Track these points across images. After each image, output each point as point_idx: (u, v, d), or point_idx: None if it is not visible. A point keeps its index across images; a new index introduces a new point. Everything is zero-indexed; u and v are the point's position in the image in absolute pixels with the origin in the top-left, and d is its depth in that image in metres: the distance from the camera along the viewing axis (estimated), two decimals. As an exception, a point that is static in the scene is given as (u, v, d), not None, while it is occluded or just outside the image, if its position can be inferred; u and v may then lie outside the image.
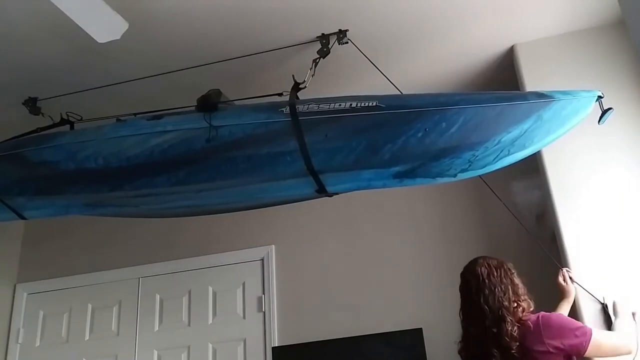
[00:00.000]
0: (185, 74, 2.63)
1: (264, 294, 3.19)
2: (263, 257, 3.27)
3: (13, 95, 2.78)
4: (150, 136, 2.14)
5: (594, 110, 1.93)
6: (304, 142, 1.98)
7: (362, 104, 1.97)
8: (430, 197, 3.12)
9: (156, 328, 3.32)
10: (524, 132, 1.88)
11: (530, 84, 2.57)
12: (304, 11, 2.37)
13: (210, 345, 3.19)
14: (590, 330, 1.85)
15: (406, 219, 3.16)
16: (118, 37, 2.17)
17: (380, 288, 3.01)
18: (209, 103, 2.16)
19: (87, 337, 3.42)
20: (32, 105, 2.81)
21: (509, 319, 1.87)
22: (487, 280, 1.95)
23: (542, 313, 1.92)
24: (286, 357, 2.98)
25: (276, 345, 3.04)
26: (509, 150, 1.92)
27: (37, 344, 3.48)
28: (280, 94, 2.19)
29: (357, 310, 2.99)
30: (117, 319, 3.40)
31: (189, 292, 3.33)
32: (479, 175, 2.07)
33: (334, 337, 2.92)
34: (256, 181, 2.13)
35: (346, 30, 2.47)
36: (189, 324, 3.28)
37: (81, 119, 2.59)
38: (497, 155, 1.92)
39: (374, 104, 1.97)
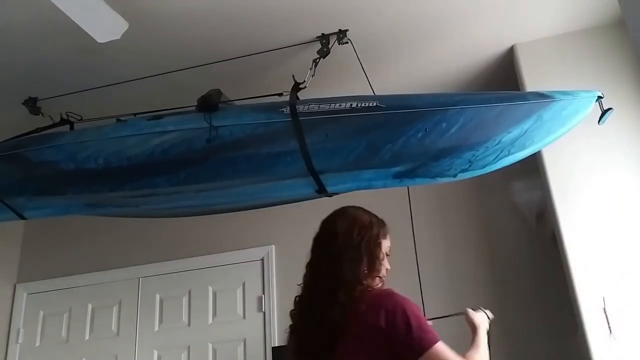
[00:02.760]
0: (185, 74, 2.63)
1: (264, 294, 3.19)
2: (263, 257, 3.27)
3: (13, 95, 2.78)
4: (151, 136, 2.14)
5: (594, 110, 1.93)
6: (305, 142, 1.98)
7: (363, 104, 1.97)
8: (430, 197, 3.12)
9: (156, 328, 3.32)
10: (524, 132, 1.88)
11: (530, 84, 2.57)
12: (304, 11, 2.37)
13: (210, 345, 3.19)
14: (436, 339, 1.43)
15: (406, 219, 3.15)
16: (118, 37, 2.17)
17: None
18: (210, 103, 2.16)
19: (87, 337, 3.42)
20: (32, 105, 2.81)
21: (342, 293, 1.51)
22: (340, 240, 1.60)
23: (389, 289, 1.56)
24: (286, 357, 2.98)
25: (276, 345, 3.03)
26: (509, 151, 1.92)
27: (37, 344, 3.48)
28: (280, 94, 2.19)
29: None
30: (117, 319, 3.40)
31: (189, 292, 3.33)
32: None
33: (334, 337, 2.92)
34: (256, 181, 2.13)
35: (346, 30, 2.47)
36: (189, 324, 3.28)
37: (81, 119, 2.59)
38: (498, 155, 1.92)
39: (375, 104, 1.97)
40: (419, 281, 2.37)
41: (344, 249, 1.59)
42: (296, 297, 1.65)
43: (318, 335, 1.52)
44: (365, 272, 1.57)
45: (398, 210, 3.19)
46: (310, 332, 1.55)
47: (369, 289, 1.56)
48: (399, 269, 3.01)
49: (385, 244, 1.68)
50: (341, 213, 1.70)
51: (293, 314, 1.65)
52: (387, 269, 1.68)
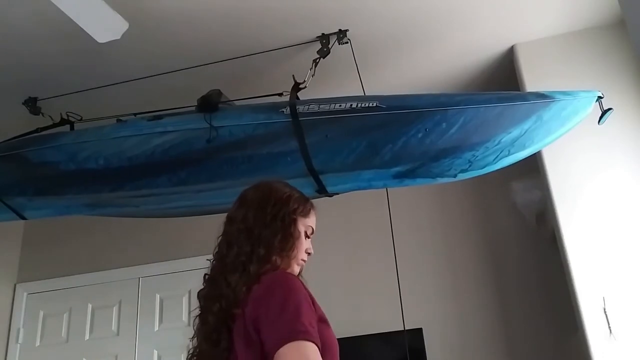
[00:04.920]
0: (185, 74, 2.63)
1: (264, 293, 3.18)
2: (263, 257, 3.26)
3: (13, 95, 2.78)
4: (151, 136, 2.14)
5: (594, 110, 1.93)
6: (305, 142, 1.98)
7: (363, 105, 1.97)
8: (430, 197, 3.12)
9: (156, 328, 3.32)
10: (524, 132, 1.88)
11: (530, 84, 2.57)
12: (304, 11, 2.37)
13: (210, 345, 3.19)
14: (305, 336, 1.13)
15: (406, 219, 3.16)
16: (118, 37, 2.17)
17: (381, 288, 3.01)
18: (210, 103, 2.16)
19: (87, 337, 3.41)
20: (32, 105, 2.81)
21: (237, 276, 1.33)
22: (252, 213, 1.41)
23: (282, 270, 1.36)
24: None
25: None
26: (509, 151, 1.92)
27: (37, 344, 3.47)
28: (280, 94, 2.19)
29: (357, 310, 2.99)
30: (117, 319, 3.40)
31: (189, 292, 3.33)
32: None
33: (334, 337, 2.92)
34: (256, 181, 2.13)
35: (346, 30, 2.47)
36: (189, 324, 3.24)
37: (81, 119, 2.60)
38: (498, 156, 1.93)
39: (375, 104, 1.97)
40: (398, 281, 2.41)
41: (255, 223, 1.38)
42: (205, 274, 1.47)
43: (215, 314, 1.31)
44: (278, 250, 1.36)
45: (399, 209, 3.21)
46: (211, 310, 1.34)
47: (276, 269, 1.33)
48: (399, 268, 3.03)
49: (305, 223, 1.45)
50: (258, 184, 1.50)
51: (200, 296, 1.44)
52: (309, 253, 1.47)
